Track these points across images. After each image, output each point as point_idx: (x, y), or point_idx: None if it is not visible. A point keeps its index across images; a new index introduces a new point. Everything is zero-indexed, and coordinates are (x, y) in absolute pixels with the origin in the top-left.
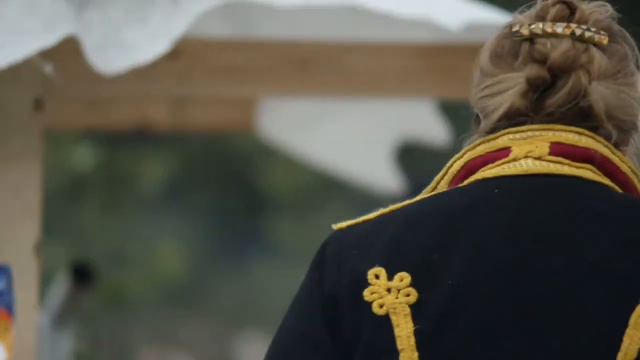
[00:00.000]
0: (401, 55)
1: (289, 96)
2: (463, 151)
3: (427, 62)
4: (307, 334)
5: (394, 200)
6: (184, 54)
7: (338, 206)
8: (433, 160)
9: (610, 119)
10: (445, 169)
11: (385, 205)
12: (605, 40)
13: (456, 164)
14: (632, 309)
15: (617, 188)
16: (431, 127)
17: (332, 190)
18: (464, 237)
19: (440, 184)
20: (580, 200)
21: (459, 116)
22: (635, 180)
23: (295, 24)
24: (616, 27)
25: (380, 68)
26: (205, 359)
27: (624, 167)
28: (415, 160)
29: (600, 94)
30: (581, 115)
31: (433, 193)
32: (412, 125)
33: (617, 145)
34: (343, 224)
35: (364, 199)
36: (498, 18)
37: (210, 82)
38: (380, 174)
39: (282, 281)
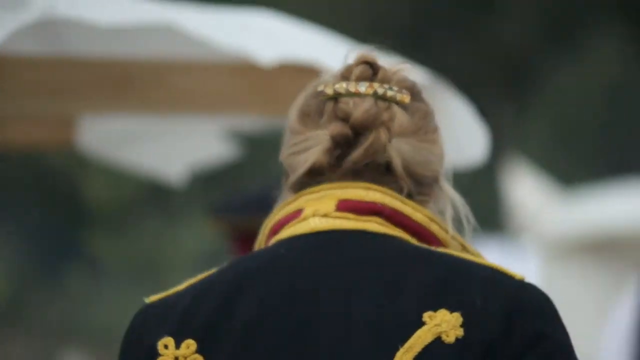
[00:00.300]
0: (222, 74)
1: (108, 113)
2: (274, 212)
3: (248, 81)
4: None
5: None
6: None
7: (157, 221)
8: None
9: (410, 174)
10: (261, 231)
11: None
12: (406, 99)
13: (267, 227)
14: (394, 355)
15: (408, 236)
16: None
17: (151, 205)
18: (245, 299)
19: (261, 245)
20: (356, 255)
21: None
22: (434, 226)
23: (116, 41)
24: (418, 87)
25: (201, 86)
26: None
27: (418, 216)
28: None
29: (398, 150)
30: (380, 170)
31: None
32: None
33: (411, 196)
34: (154, 297)
35: (183, 213)
36: (315, 55)
37: (28, 99)
38: (214, 154)
39: (102, 296)
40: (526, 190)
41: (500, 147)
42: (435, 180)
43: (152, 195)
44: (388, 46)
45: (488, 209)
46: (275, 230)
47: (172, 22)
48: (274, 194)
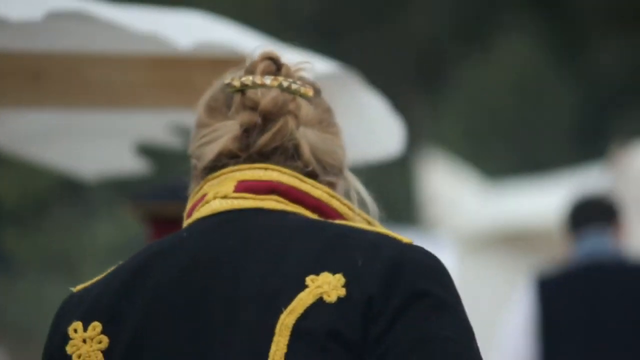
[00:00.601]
0: (136, 68)
1: (20, 108)
2: (188, 203)
3: (165, 74)
4: None
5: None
6: None
7: (71, 215)
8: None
9: (317, 160)
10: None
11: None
12: (310, 92)
13: (184, 214)
14: (277, 319)
15: (308, 212)
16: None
17: (64, 199)
18: (145, 281)
19: None
20: (246, 230)
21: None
22: (335, 202)
23: (28, 34)
24: (318, 85)
25: (115, 80)
26: None
27: (317, 192)
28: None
29: (306, 137)
30: (288, 155)
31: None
32: (148, 130)
33: (316, 177)
34: (80, 286)
35: (109, 194)
36: (230, 36)
37: None
38: (126, 164)
39: (15, 291)
40: (441, 183)
41: (414, 140)
42: (339, 170)
43: (65, 190)
44: (301, 40)
45: (403, 201)
46: (188, 216)
47: (85, 11)
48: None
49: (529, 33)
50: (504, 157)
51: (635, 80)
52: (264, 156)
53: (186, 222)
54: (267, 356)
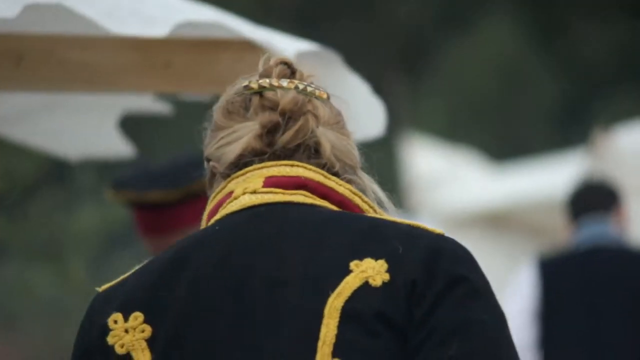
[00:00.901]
0: (116, 49)
1: (3, 91)
2: (208, 202)
3: (144, 56)
4: None
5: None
6: None
7: (56, 200)
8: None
9: (337, 158)
10: (203, 221)
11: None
12: (324, 95)
13: (205, 213)
14: (326, 302)
15: (333, 207)
16: (151, 105)
17: (49, 184)
18: (183, 273)
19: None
20: (285, 221)
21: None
22: (357, 199)
23: (6, 16)
24: (328, 91)
25: (96, 61)
26: None
27: (341, 189)
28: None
29: (325, 135)
30: (309, 153)
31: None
32: (134, 104)
33: (338, 175)
34: (106, 285)
35: (90, 183)
36: (211, 17)
37: None
38: (109, 147)
39: (1, 277)
40: (423, 165)
41: (396, 123)
42: (354, 171)
43: (50, 175)
44: (282, 26)
45: (386, 183)
46: (212, 215)
47: (62, 5)
48: (172, 169)
49: (511, 16)
50: (486, 140)
51: (618, 63)
52: (286, 154)
53: (213, 219)
54: (317, 338)
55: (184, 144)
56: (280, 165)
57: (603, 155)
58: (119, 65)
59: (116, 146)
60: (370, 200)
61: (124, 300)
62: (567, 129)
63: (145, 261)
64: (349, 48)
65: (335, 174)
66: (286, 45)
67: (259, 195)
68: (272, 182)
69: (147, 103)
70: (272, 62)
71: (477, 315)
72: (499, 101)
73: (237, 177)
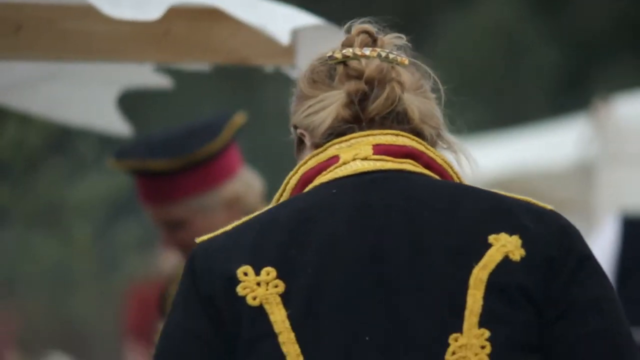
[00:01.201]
0: (117, 20)
1: (3, 60)
2: (296, 167)
3: (141, 26)
4: (189, 329)
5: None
6: None
7: (60, 169)
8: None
9: (423, 122)
10: (282, 186)
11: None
12: (406, 61)
13: (292, 180)
14: (470, 273)
15: (435, 176)
16: (151, 78)
17: (52, 152)
18: (313, 232)
19: (280, 200)
20: (407, 187)
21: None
22: (449, 169)
23: None
24: (410, 54)
25: (94, 31)
26: None
27: (439, 160)
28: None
29: (412, 101)
30: (398, 119)
31: (267, 207)
32: (134, 77)
33: (432, 144)
34: (204, 237)
35: (94, 152)
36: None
37: None
38: (108, 122)
39: (5, 246)
40: None
41: None
42: (438, 134)
43: (54, 143)
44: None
45: None
46: (307, 179)
47: None
48: (174, 138)
49: None
50: (485, 109)
51: (617, 32)
52: (378, 122)
53: (315, 183)
54: (462, 308)
55: (183, 117)
56: (387, 134)
57: (603, 124)
58: (118, 35)
59: (115, 122)
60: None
61: (250, 255)
62: (567, 97)
63: (245, 219)
64: (345, 21)
65: (425, 140)
66: (282, 24)
67: (371, 162)
68: (382, 150)
69: (147, 77)
70: (353, 31)
71: (606, 292)
72: (498, 70)
73: (339, 142)
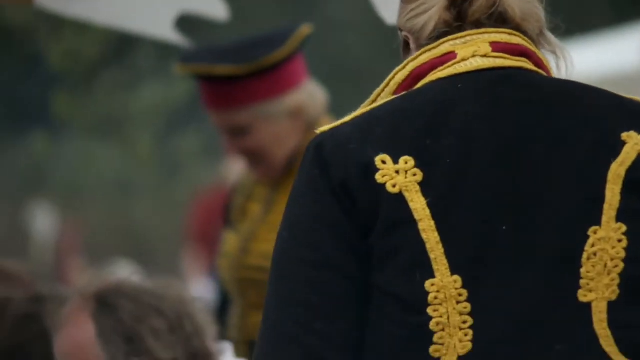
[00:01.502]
0: None
1: None
2: (404, 63)
3: None
4: (321, 216)
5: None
6: None
7: (120, 77)
8: (212, 31)
9: (525, 21)
10: (386, 81)
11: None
12: None
13: (399, 75)
14: (609, 167)
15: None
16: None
17: (114, 61)
18: (448, 123)
19: (381, 95)
20: (533, 84)
21: None
22: (551, 71)
23: None
24: None
25: None
26: None
27: (545, 61)
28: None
29: (512, 1)
30: (500, 19)
31: (390, 99)
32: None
33: (536, 45)
34: (325, 127)
35: (152, 61)
36: None
37: None
38: (168, 30)
39: (66, 153)
40: None
41: None
42: (541, 32)
43: (113, 52)
44: None
45: None
46: (418, 74)
47: None
48: (241, 46)
49: None
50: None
51: None
52: (479, 24)
53: (430, 79)
54: (601, 202)
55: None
56: (501, 32)
57: None
58: None
59: (173, 33)
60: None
61: (387, 144)
62: (626, 5)
63: (368, 108)
64: None
65: (529, 39)
66: None
67: (490, 59)
68: (499, 48)
69: (207, 4)
70: None
71: None
72: None
73: (453, 39)
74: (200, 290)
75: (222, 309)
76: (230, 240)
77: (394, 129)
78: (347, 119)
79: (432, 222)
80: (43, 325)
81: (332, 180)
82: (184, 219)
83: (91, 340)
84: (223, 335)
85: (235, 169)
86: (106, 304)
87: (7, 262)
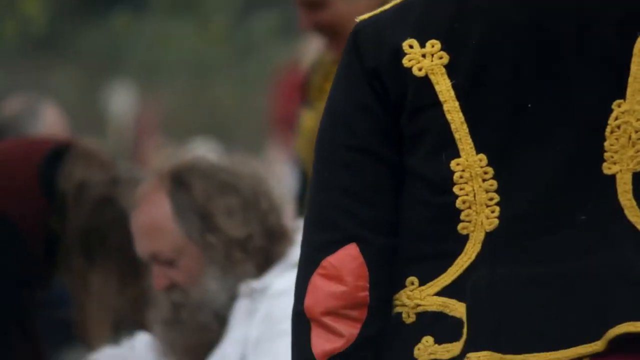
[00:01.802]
0: None
1: None
2: None
3: None
4: (355, 101)
5: None
6: None
7: None
8: None
9: None
10: None
11: None
12: None
13: None
14: (635, 41)
15: None
16: None
17: None
18: (478, 6)
19: None
20: None
21: None
22: None
23: None
24: None
25: None
26: (71, 107)
27: None
28: None
29: None
30: None
31: None
32: None
33: None
34: (365, 16)
35: None
36: None
37: None
38: None
39: (145, 31)
40: None
41: None
42: None
43: None
44: None
45: None
46: None
47: None
48: None
49: None
50: None
51: None
52: None
53: None
54: (626, 75)
55: None
56: None
57: None
58: None
59: None
60: None
61: (415, 28)
62: None
63: None
64: None
65: None
66: None
67: None
68: None
69: None
70: None
71: None
72: None
73: None
74: (284, 175)
75: (302, 189)
76: (308, 120)
77: (426, 14)
78: (387, 6)
79: (457, 103)
80: (119, 208)
81: (366, 67)
82: (262, 98)
83: (167, 217)
84: (302, 215)
85: (312, 48)
86: (181, 181)
87: (87, 140)
